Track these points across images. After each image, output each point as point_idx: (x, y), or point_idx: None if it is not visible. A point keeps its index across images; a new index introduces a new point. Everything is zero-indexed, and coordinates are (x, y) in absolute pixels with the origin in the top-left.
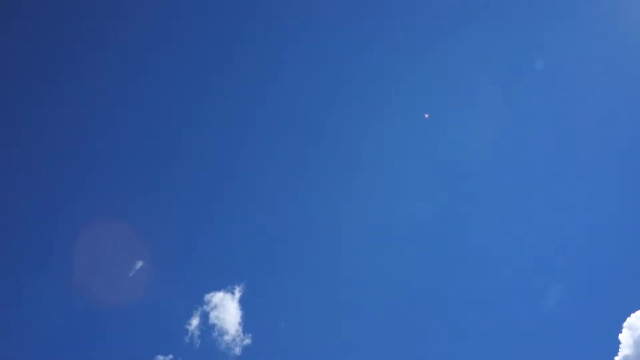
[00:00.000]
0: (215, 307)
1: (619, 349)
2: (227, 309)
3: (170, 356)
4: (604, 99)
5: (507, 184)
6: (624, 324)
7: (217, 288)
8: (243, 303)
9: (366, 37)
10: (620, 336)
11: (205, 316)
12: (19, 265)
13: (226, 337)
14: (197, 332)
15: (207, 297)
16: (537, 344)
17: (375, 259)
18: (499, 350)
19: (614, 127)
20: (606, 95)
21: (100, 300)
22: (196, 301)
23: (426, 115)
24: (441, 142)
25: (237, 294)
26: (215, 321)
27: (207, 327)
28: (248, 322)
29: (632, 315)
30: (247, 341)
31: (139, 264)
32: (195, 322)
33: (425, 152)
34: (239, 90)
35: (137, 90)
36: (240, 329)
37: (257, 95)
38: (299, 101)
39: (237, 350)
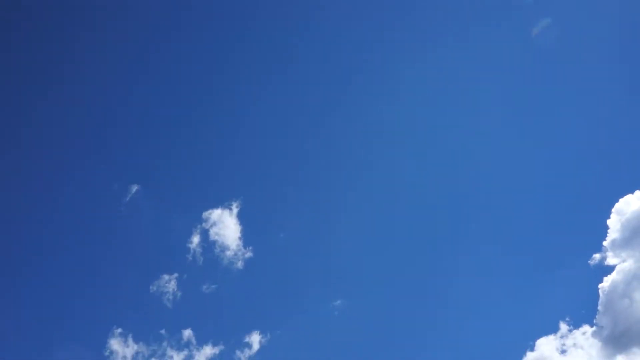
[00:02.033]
0: (214, 224)
1: (607, 234)
2: (226, 225)
3: (175, 274)
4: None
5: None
6: (613, 210)
7: (215, 205)
8: (241, 218)
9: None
10: (608, 222)
11: (205, 234)
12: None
13: (228, 252)
14: (199, 250)
15: (205, 214)
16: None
17: (372, 164)
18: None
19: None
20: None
21: (101, 226)
22: (195, 219)
23: None
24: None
25: (235, 210)
26: (216, 237)
27: (208, 244)
28: (248, 236)
29: (620, 200)
30: (249, 254)
31: (135, 187)
32: (196, 240)
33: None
34: None
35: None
36: (240, 243)
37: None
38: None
39: (240, 264)
